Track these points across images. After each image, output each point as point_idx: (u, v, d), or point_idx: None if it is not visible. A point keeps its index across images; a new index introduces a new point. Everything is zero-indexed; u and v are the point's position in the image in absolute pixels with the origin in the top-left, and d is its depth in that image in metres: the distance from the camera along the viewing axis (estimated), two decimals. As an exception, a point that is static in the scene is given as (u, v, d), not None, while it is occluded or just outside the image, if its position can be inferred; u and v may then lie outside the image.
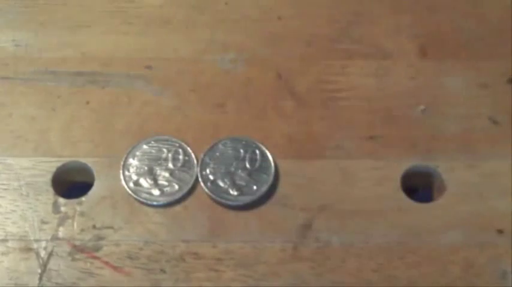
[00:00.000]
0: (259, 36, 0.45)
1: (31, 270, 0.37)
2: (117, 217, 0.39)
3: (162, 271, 0.37)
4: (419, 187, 0.41)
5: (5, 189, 0.40)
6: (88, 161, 0.41)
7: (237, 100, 0.43)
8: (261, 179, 0.40)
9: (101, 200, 0.39)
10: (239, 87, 0.43)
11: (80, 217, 0.39)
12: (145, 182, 0.40)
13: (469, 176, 0.40)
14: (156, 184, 0.40)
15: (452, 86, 0.43)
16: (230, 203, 0.39)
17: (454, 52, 0.44)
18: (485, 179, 0.40)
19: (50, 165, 0.40)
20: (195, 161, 0.40)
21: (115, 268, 0.37)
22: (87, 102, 0.43)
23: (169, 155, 0.40)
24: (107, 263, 0.37)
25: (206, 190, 0.39)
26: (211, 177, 0.40)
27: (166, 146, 0.41)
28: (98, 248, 0.38)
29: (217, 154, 0.40)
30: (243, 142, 0.41)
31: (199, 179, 0.40)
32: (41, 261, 0.38)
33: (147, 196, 0.39)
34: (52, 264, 0.37)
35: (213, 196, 0.39)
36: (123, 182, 0.40)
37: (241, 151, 0.40)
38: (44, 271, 0.37)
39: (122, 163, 0.40)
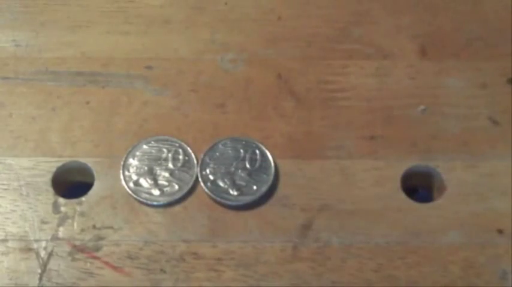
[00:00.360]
0: (259, 36, 0.45)
1: (31, 270, 0.37)
2: (117, 217, 0.39)
3: (162, 271, 0.37)
4: (419, 187, 0.41)
5: (5, 189, 0.40)
6: (88, 161, 0.41)
7: (237, 100, 0.43)
8: (261, 179, 0.40)
9: (101, 200, 0.39)
10: (239, 87, 0.43)
11: (80, 217, 0.39)
12: (145, 182, 0.40)
13: (469, 176, 0.40)
14: (156, 184, 0.40)
15: (452, 86, 0.43)
16: (230, 203, 0.39)
17: (454, 52, 0.44)
18: (485, 179, 0.40)
19: (50, 165, 0.40)
20: (195, 161, 0.40)
21: (115, 268, 0.37)
22: (87, 102, 0.43)
23: (169, 155, 0.40)
24: (107, 263, 0.37)
25: (206, 190, 0.39)
26: (211, 177, 0.40)
27: (166, 146, 0.41)
28: (98, 248, 0.38)
29: (217, 153, 0.40)
30: (243, 142, 0.41)
31: (199, 179, 0.40)
32: (41, 261, 0.38)
33: (147, 196, 0.39)
34: (52, 264, 0.37)
35: (213, 196, 0.39)
36: (123, 182, 0.40)
37: (241, 151, 0.40)
38: (44, 271, 0.37)
39: (121, 163, 0.40)
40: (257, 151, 0.40)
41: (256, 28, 0.45)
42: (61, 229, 0.39)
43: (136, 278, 0.37)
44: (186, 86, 0.43)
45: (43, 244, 0.38)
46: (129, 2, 0.47)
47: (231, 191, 0.39)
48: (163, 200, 0.39)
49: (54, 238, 0.38)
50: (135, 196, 0.39)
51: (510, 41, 0.44)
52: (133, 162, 0.40)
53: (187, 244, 0.38)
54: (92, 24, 0.46)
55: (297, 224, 0.38)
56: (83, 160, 0.41)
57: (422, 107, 0.42)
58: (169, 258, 0.38)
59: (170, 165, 0.40)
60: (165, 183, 0.40)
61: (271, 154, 0.40)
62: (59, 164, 0.40)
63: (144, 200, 0.39)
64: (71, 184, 0.41)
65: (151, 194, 0.39)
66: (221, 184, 0.39)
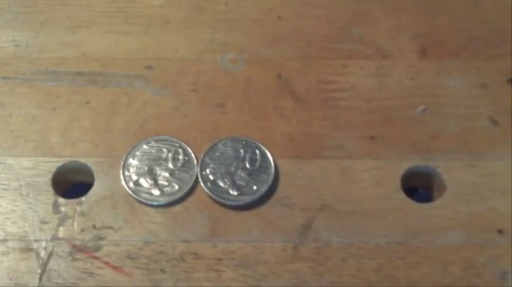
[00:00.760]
0: (259, 36, 0.45)
1: (31, 270, 0.37)
2: (117, 217, 0.39)
3: (162, 271, 0.37)
4: (419, 187, 0.41)
5: (5, 189, 0.40)
6: (88, 161, 0.41)
7: (237, 100, 0.43)
8: (261, 179, 0.40)
9: (101, 200, 0.39)
10: (239, 87, 0.43)
11: (80, 217, 0.39)
12: (145, 182, 0.40)
13: (469, 176, 0.40)
14: (156, 184, 0.40)
15: (452, 86, 0.43)
16: (230, 203, 0.39)
17: (454, 52, 0.44)
18: (485, 179, 0.40)
19: (50, 165, 0.40)
20: (195, 161, 0.40)
21: (115, 268, 0.37)
22: (87, 102, 0.43)
23: (169, 155, 0.40)
24: (107, 263, 0.37)
25: (206, 190, 0.39)
26: (211, 177, 0.40)
27: (166, 146, 0.41)
28: (98, 248, 0.38)
29: (217, 153, 0.40)
30: (243, 142, 0.41)
31: (199, 179, 0.40)
32: (41, 261, 0.38)
33: (147, 196, 0.39)
34: (52, 264, 0.37)
35: (213, 196, 0.39)
36: (123, 182, 0.40)
37: (241, 151, 0.40)
38: (44, 271, 0.37)
39: (122, 163, 0.40)
40: (257, 151, 0.40)
41: (256, 28, 0.45)
42: (61, 229, 0.39)
43: (136, 278, 0.37)
44: (186, 86, 0.43)
45: (43, 244, 0.38)
46: (129, 2, 0.47)
47: (231, 191, 0.39)
48: (163, 200, 0.39)
49: (54, 238, 0.38)
50: (135, 196, 0.39)
51: (510, 41, 0.44)
52: (133, 162, 0.40)
53: (187, 244, 0.38)
54: (92, 24, 0.46)
55: (297, 224, 0.38)
56: (83, 160, 0.41)
57: (422, 107, 0.42)
58: (169, 258, 0.38)
59: (170, 165, 0.40)
60: (165, 183, 0.40)
61: (271, 154, 0.40)
62: (59, 164, 0.40)
63: (144, 200, 0.39)
64: (71, 184, 0.41)
65: (151, 194, 0.39)
66: (221, 184, 0.39)
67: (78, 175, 0.41)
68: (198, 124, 0.42)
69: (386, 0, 0.46)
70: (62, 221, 0.39)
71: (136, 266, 0.37)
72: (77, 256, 0.38)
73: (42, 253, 0.38)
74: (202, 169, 0.40)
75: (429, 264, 0.37)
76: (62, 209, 0.39)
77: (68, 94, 0.43)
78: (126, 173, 0.40)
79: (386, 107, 0.42)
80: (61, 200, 0.39)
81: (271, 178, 0.40)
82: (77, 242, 0.38)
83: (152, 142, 0.41)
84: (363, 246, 0.38)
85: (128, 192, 0.39)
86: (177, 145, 0.41)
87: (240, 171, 0.40)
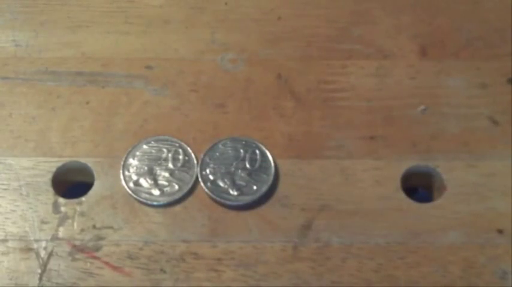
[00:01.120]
0: (259, 36, 0.45)
1: (31, 270, 0.37)
2: (117, 217, 0.39)
3: (162, 271, 0.37)
4: (419, 187, 0.41)
5: (5, 189, 0.40)
6: (88, 161, 0.41)
7: (237, 100, 0.43)
8: (261, 179, 0.40)
9: (101, 200, 0.39)
10: (239, 87, 0.43)
11: (80, 217, 0.39)
12: (145, 182, 0.40)
13: (469, 176, 0.40)
14: (156, 184, 0.40)
15: (452, 86, 0.43)
16: (230, 203, 0.39)
17: (454, 52, 0.44)
18: (485, 179, 0.40)
19: (50, 165, 0.40)
20: (195, 161, 0.40)
21: (115, 268, 0.37)
22: (87, 102, 0.43)
23: (169, 155, 0.40)
24: (107, 263, 0.37)
25: (206, 190, 0.39)
26: (211, 177, 0.40)
27: (166, 146, 0.41)
28: (98, 248, 0.38)
29: (217, 154, 0.40)
30: (243, 142, 0.41)
31: (199, 179, 0.40)
32: (41, 261, 0.38)
33: (147, 196, 0.39)
34: (52, 264, 0.37)
35: (213, 196, 0.39)
36: (123, 182, 0.40)
37: (241, 151, 0.40)
38: (44, 271, 0.37)
39: (122, 163, 0.40)
40: (257, 151, 0.40)
41: (256, 28, 0.45)
42: (61, 229, 0.39)
43: (136, 278, 0.37)
44: (186, 86, 0.43)
45: (43, 244, 0.38)
46: (129, 2, 0.47)
47: (231, 191, 0.39)
48: (163, 200, 0.39)
49: (54, 238, 0.38)
50: (135, 196, 0.39)
51: (510, 41, 0.44)
52: (133, 162, 0.40)
53: (187, 244, 0.38)
54: (92, 24, 0.46)
55: (297, 224, 0.38)
56: (83, 160, 0.41)
57: (422, 107, 0.42)
58: (169, 258, 0.38)
59: (170, 165, 0.40)
60: (165, 183, 0.40)
61: (271, 154, 0.40)
62: (59, 164, 0.40)
63: (144, 200, 0.39)
64: (71, 184, 0.41)
65: (151, 194, 0.39)
66: (221, 184, 0.39)
67: (78, 175, 0.41)
68: (198, 124, 0.42)
69: (386, 0, 0.46)
70: (62, 221, 0.39)
71: (136, 266, 0.37)
72: (77, 256, 0.38)
73: (42, 253, 0.38)
74: (202, 169, 0.40)
75: (429, 264, 0.37)
76: (62, 209, 0.39)
77: (68, 94, 0.43)
78: (126, 173, 0.40)
79: (387, 107, 0.42)
80: (61, 200, 0.39)
81: (271, 178, 0.40)
82: (77, 242, 0.38)
83: (152, 142, 0.41)
84: (363, 246, 0.38)
85: (128, 192, 0.39)
86: (177, 145, 0.41)
87: (240, 171, 0.40)
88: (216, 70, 0.44)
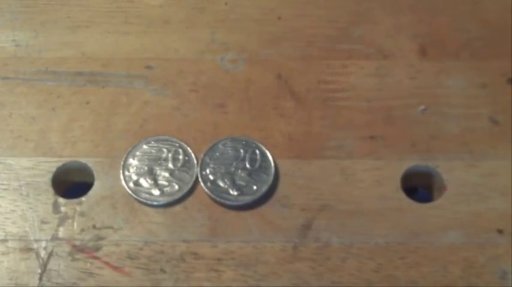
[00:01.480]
0: (259, 36, 0.45)
1: (31, 270, 0.37)
2: (117, 217, 0.39)
3: (162, 271, 0.37)
4: (419, 187, 0.41)
5: (5, 189, 0.40)
6: (88, 161, 0.41)
7: (237, 100, 0.43)
8: (261, 179, 0.40)
9: (101, 200, 0.39)
10: (239, 87, 0.43)
11: (80, 217, 0.39)
12: (145, 182, 0.40)
13: (469, 176, 0.40)
14: (156, 184, 0.40)
15: (452, 86, 0.43)
16: (230, 203, 0.39)
17: (454, 52, 0.44)
18: (485, 179, 0.40)
19: (50, 165, 0.40)
20: (195, 161, 0.40)
21: (115, 268, 0.37)
22: (87, 102, 0.43)
23: (169, 155, 0.40)
24: (107, 263, 0.37)
25: (206, 190, 0.39)
26: (211, 177, 0.40)
27: (166, 146, 0.41)
28: (98, 248, 0.38)
29: (217, 154, 0.40)
30: (243, 142, 0.41)
31: (199, 179, 0.40)
32: (41, 261, 0.38)
33: (147, 196, 0.39)
34: (52, 264, 0.37)
35: (213, 196, 0.39)
36: (123, 182, 0.40)
37: (241, 151, 0.40)
38: (44, 271, 0.37)
39: (122, 163, 0.40)
40: (257, 151, 0.40)
41: (256, 28, 0.45)
42: (61, 229, 0.39)
43: (136, 278, 0.37)
44: (186, 86, 0.43)
45: (43, 244, 0.38)
46: (129, 2, 0.47)
47: (231, 191, 0.39)
48: (163, 200, 0.39)
49: (54, 238, 0.38)
50: (135, 196, 0.39)
51: (510, 41, 0.44)
52: (133, 162, 0.40)
53: (187, 244, 0.38)
54: (92, 24, 0.46)
55: (297, 224, 0.38)
56: (83, 160, 0.41)
57: (422, 107, 0.42)
58: (169, 258, 0.38)
59: (170, 165, 0.40)
60: (165, 183, 0.40)
61: (271, 154, 0.40)
62: (59, 164, 0.40)
63: (144, 200, 0.39)
64: (71, 184, 0.41)
65: (151, 194, 0.39)
66: (221, 184, 0.39)
67: (78, 175, 0.41)
68: (198, 124, 0.42)
69: (386, 0, 0.46)
70: (62, 221, 0.39)
71: (136, 266, 0.37)
72: (77, 256, 0.38)
73: (42, 253, 0.38)
74: (202, 169, 0.40)
75: (429, 264, 0.37)
76: (62, 209, 0.39)
77: (68, 94, 0.43)
78: (126, 173, 0.40)
79: (387, 107, 0.42)
80: (61, 200, 0.39)
81: (271, 178, 0.40)
82: (77, 242, 0.38)
83: (152, 142, 0.41)
84: (363, 246, 0.38)
85: (127, 192, 0.39)
86: (177, 145, 0.41)
87: (240, 171, 0.40)
88: (216, 70, 0.44)
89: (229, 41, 0.45)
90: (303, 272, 0.37)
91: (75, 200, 0.39)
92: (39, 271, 0.37)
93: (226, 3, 0.46)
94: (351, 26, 0.45)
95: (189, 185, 0.39)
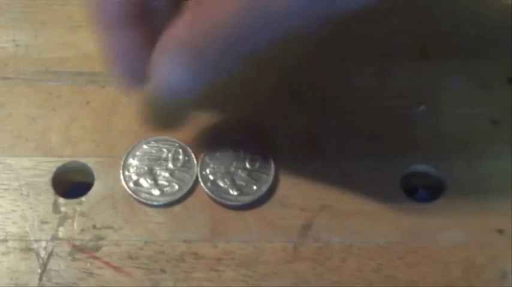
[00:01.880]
0: (259, 36, 0.45)
1: (31, 270, 0.37)
2: (117, 217, 0.39)
3: (162, 271, 0.37)
4: (419, 187, 0.41)
5: (5, 189, 0.40)
6: (88, 161, 0.41)
7: (237, 100, 0.42)
8: (261, 179, 0.40)
9: (101, 200, 0.39)
10: (239, 87, 0.43)
11: (80, 217, 0.39)
12: (145, 182, 0.40)
13: (469, 176, 0.40)
14: (156, 184, 0.40)
15: (452, 86, 0.43)
16: (230, 203, 0.39)
17: (454, 52, 0.44)
18: (485, 179, 0.39)
19: (50, 165, 0.40)
20: (195, 161, 0.40)
21: (115, 268, 0.37)
22: (88, 102, 0.43)
23: (170, 155, 0.40)
24: (107, 263, 0.37)
25: (206, 190, 0.39)
26: (211, 177, 0.40)
27: (166, 146, 0.41)
28: (98, 248, 0.38)
29: (217, 154, 0.40)
30: (243, 142, 0.41)
31: (199, 179, 0.40)
32: (41, 261, 0.38)
33: (147, 196, 0.39)
34: (52, 264, 0.37)
35: (213, 196, 0.39)
36: (123, 182, 0.40)
37: (241, 151, 0.40)
38: (44, 271, 0.37)
39: (122, 163, 0.40)
40: (257, 151, 0.40)
41: (256, 28, 0.45)
42: (61, 229, 0.39)
43: (136, 278, 0.37)
44: (186, 86, 0.43)
45: (43, 244, 0.38)
46: (129, 2, 0.46)
47: (231, 191, 0.39)
48: (163, 200, 0.39)
49: (54, 238, 0.38)
50: (135, 196, 0.39)
51: (510, 41, 0.44)
52: (133, 162, 0.40)
53: (188, 244, 0.38)
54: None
55: (297, 224, 0.38)
56: (83, 160, 0.41)
57: (422, 107, 0.42)
58: (169, 258, 0.38)
59: (170, 165, 0.40)
60: (165, 183, 0.40)
61: (271, 154, 0.40)
62: (59, 164, 0.40)
63: (144, 200, 0.39)
64: (71, 184, 0.41)
65: (151, 194, 0.39)
66: (221, 184, 0.39)
67: (78, 175, 0.41)
68: (198, 124, 0.42)
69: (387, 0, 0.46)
70: (62, 221, 0.39)
71: (136, 266, 0.37)
72: (77, 256, 0.38)
73: (42, 253, 0.38)
74: (202, 169, 0.40)
75: (429, 264, 0.37)
76: (62, 209, 0.39)
77: (68, 94, 0.43)
78: (126, 173, 0.40)
79: (387, 107, 0.42)
80: (61, 200, 0.39)
81: (271, 178, 0.40)
82: (77, 242, 0.38)
83: (152, 142, 0.41)
84: (362, 246, 0.38)
85: (128, 192, 0.39)
86: (177, 144, 0.41)
87: (240, 171, 0.40)
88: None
89: (229, 41, 0.45)
90: (303, 272, 0.37)
91: (75, 200, 0.39)
92: (39, 271, 0.37)
93: (226, 3, 0.46)
94: (351, 26, 0.45)
95: (189, 185, 0.39)
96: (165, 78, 0.34)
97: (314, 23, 0.32)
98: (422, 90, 0.43)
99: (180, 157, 0.40)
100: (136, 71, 0.35)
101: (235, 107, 0.42)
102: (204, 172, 0.40)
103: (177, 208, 0.39)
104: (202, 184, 0.39)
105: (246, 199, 0.39)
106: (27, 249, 0.38)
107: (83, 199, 0.39)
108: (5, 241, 0.38)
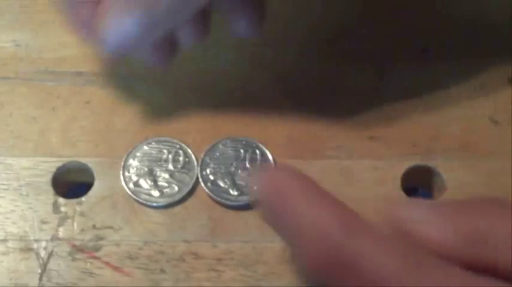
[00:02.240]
0: (259, 35, 0.45)
1: (31, 270, 0.37)
2: (117, 217, 0.39)
3: (162, 271, 0.37)
4: (419, 187, 0.41)
5: (5, 189, 0.40)
6: (88, 161, 0.41)
7: (237, 100, 0.43)
8: (261, 179, 0.39)
9: (101, 200, 0.39)
10: (239, 88, 0.43)
11: (80, 217, 0.39)
12: (145, 183, 0.40)
13: (469, 176, 0.40)
14: (156, 185, 0.39)
15: (452, 86, 0.43)
16: (230, 203, 0.39)
17: (454, 52, 0.44)
18: (485, 179, 0.40)
19: (50, 165, 0.40)
20: (196, 163, 0.40)
21: (115, 268, 0.37)
22: (87, 102, 0.43)
23: (170, 156, 0.40)
24: (107, 263, 0.37)
25: (206, 190, 0.39)
26: (211, 177, 0.40)
27: (166, 147, 0.41)
28: (98, 248, 0.38)
29: (217, 154, 0.40)
30: (243, 142, 0.41)
31: (200, 179, 0.40)
32: (41, 261, 0.38)
33: (147, 197, 0.39)
34: (52, 264, 0.37)
35: (213, 196, 0.39)
36: (123, 183, 0.39)
37: (241, 151, 0.41)
38: (44, 271, 0.37)
39: (122, 163, 0.40)
40: (257, 151, 0.40)
41: (256, 28, 0.45)
42: (61, 229, 0.39)
43: (136, 278, 0.37)
44: (186, 86, 0.43)
45: (43, 244, 0.38)
46: (129, 1, 0.46)
47: (231, 191, 0.39)
48: (162, 201, 0.39)
49: (54, 238, 0.38)
50: (134, 197, 0.39)
51: (510, 41, 0.44)
52: (133, 163, 0.40)
53: (188, 244, 0.38)
54: (92, 24, 0.46)
55: (297, 224, 0.38)
56: (83, 160, 0.41)
57: (422, 107, 0.42)
58: (169, 258, 0.38)
59: (170, 166, 0.40)
60: (165, 184, 0.39)
61: (271, 154, 0.40)
62: (59, 164, 0.40)
63: (144, 201, 0.39)
64: (71, 184, 0.41)
65: (151, 195, 0.39)
66: (221, 184, 0.39)
67: (78, 175, 0.41)
68: (198, 124, 0.42)
69: (387, 0, 0.46)
70: (62, 221, 0.39)
71: (136, 266, 0.37)
72: (77, 256, 0.38)
73: (42, 253, 0.38)
74: (203, 169, 0.40)
75: (429, 264, 0.37)
76: (62, 209, 0.39)
77: (68, 94, 0.43)
78: (126, 173, 0.40)
79: (387, 107, 0.42)
80: (61, 200, 0.39)
81: (271, 178, 0.39)
82: (77, 242, 0.38)
83: (153, 143, 0.41)
84: (362, 246, 0.38)
85: (127, 193, 0.39)
86: (178, 146, 0.41)
87: (240, 171, 0.40)
88: (216, 70, 0.44)
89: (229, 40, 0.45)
90: (303, 272, 0.37)
91: (75, 200, 0.39)
92: (39, 271, 0.37)
93: (226, 3, 0.46)
94: (351, 26, 0.45)
95: (189, 187, 0.39)
96: (114, 32, 0.34)
97: None
98: (423, 91, 0.43)
99: (181, 158, 0.40)
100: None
101: (236, 107, 0.42)
102: (204, 172, 0.40)
103: (177, 208, 0.39)
104: (202, 184, 0.39)
105: (246, 199, 0.39)
106: (27, 249, 0.38)
107: (83, 199, 0.39)
108: (5, 241, 0.38)
